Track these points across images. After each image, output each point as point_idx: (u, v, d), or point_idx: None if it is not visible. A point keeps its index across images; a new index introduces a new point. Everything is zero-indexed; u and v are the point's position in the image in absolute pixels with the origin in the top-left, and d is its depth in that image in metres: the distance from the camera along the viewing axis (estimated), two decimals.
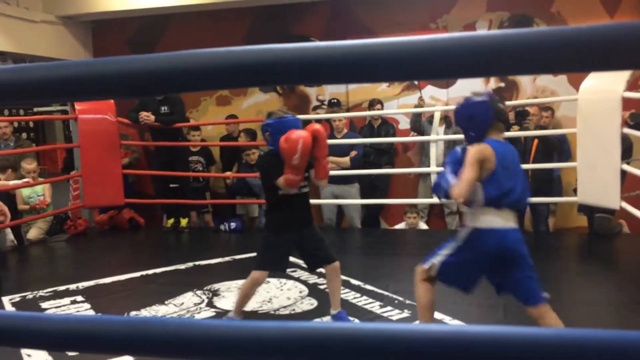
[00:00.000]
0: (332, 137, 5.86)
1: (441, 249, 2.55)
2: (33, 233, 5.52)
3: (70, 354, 2.84)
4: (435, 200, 5.45)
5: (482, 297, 3.53)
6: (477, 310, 3.31)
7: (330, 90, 6.68)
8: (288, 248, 3.09)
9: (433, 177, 5.41)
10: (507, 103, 5.74)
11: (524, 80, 6.10)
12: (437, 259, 2.52)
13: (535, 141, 5.24)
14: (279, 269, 3.14)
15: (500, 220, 2.39)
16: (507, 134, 5.37)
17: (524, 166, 5.19)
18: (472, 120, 2.46)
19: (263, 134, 3.06)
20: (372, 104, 6.10)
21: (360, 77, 0.71)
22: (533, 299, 2.46)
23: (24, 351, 2.89)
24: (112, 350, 0.77)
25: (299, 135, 2.78)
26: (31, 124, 13.00)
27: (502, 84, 6.18)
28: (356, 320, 3.22)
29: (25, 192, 5.48)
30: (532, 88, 6.08)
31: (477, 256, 2.44)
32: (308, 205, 3.16)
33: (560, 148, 5.26)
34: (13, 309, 3.60)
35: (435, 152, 5.56)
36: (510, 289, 2.50)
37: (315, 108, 6.74)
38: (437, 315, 3.27)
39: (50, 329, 0.74)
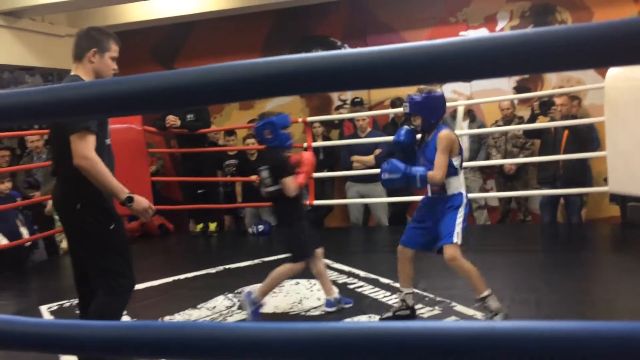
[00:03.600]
0: (356, 136, 5.86)
1: (452, 223, 2.97)
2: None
3: None
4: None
5: (513, 292, 3.50)
6: (509, 306, 3.27)
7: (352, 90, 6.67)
8: (311, 232, 3.37)
9: (460, 173, 5.36)
10: (533, 94, 5.70)
11: None
12: (458, 230, 2.97)
13: (566, 132, 5.14)
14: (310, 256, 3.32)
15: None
16: (535, 125, 5.33)
17: (555, 157, 5.15)
18: (435, 109, 3.03)
19: (261, 133, 3.30)
20: (395, 103, 6.09)
21: (391, 82, 0.72)
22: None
23: (64, 358, 2.97)
24: (151, 354, 0.79)
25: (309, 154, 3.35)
26: None
27: (527, 75, 6.09)
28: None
29: None
30: (557, 77, 5.98)
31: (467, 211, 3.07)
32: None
33: (589, 137, 5.17)
34: (51, 317, 3.70)
35: None
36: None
37: (338, 108, 6.75)
38: (469, 311, 3.26)
39: (90, 335, 0.77)
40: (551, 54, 0.65)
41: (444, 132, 2.97)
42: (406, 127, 3.17)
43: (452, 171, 2.99)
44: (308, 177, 3.26)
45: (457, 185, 3.03)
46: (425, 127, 3.05)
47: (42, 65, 6.45)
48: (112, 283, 2.40)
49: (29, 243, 5.27)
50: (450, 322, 0.71)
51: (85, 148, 2.24)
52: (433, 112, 3.02)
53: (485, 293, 2.99)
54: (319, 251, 3.39)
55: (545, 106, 5.23)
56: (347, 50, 0.71)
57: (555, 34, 0.64)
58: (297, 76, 0.72)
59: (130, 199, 2.33)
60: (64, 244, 5.64)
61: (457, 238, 2.95)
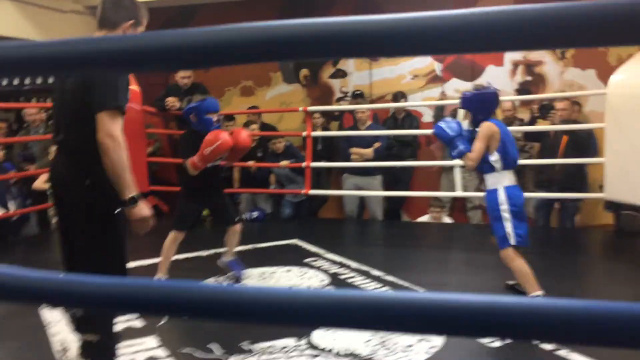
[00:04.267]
0: (356, 128, 5.85)
1: (500, 225, 3.05)
2: None
3: None
4: (457, 194, 5.42)
5: (503, 292, 3.51)
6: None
7: (354, 82, 6.66)
8: (197, 211, 3.66)
9: (456, 171, 5.36)
10: (534, 96, 5.70)
11: (551, 74, 6.01)
12: (509, 230, 3.04)
13: (565, 138, 5.12)
14: (188, 228, 3.66)
15: (513, 178, 3.11)
16: (534, 127, 5.33)
17: (551, 161, 5.15)
18: (483, 106, 3.13)
19: (187, 117, 3.51)
20: (396, 98, 6.08)
21: (406, 51, 0.71)
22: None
23: (51, 330, 2.96)
24: (148, 311, 0.79)
25: (223, 137, 3.28)
26: None
27: (529, 78, 6.09)
28: None
29: None
30: (559, 82, 5.98)
31: (520, 205, 3.07)
32: (217, 178, 3.66)
33: (588, 143, 5.17)
34: None
35: None
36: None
37: (339, 100, 6.73)
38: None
39: (87, 290, 0.77)
40: (572, 29, 0.63)
41: (485, 123, 3.06)
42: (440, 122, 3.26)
43: (487, 167, 3.08)
44: (206, 158, 3.32)
45: (494, 182, 3.08)
46: (474, 122, 3.16)
47: (45, 40, 6.41)
48: (104, 268, 2.18)
49: (15, 218, 5.24)
50: (459, 294, 0.70)
51: (114, 127, 2.10)
52: (480, 109, 3.12)
53: (537, 293, 3.05)
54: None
55: (545, 110, 5.22)
56: (371, 16, 0.70)
57: (578, 9, 0.63)
58: (311, 40, 0.71)
59: (134, 200, 2.11)
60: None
61: (511, 240, 3.03)
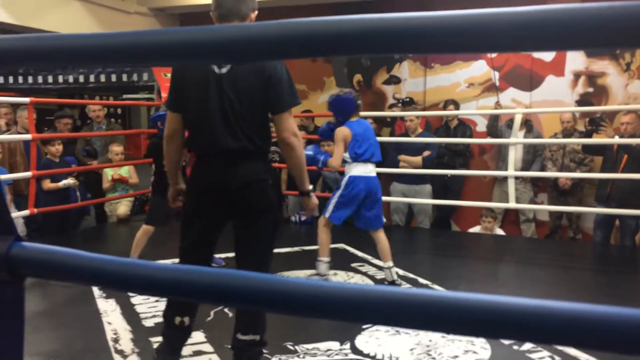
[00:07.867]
0: (407, 136, 5.80)
1: (331, 198, 3.70)
2: (122, 210, 5.85)
3: (147, 324, 3.00)
4: (510, 205, 5.27)
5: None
6: None
7: (408, 89, 6.62)
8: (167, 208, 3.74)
9: (510, 182, 5.22)
10: (595, 108, 5.49)
11: (615, 86, 5.79)
12: (331, 207, 3.67)
13: (625, 156, 4.89)
14: (163, 224, 3.95)
15: (365, 169, 3.64)
16: (595, 140, 5.10)
17: (610, 175, 4.94)
18: (343, 109, 3.63)
19: (155, 124, 3.79)
20: (446, 104, 6.01)
21: (473, 48, 0.69)
22: (372, 226, 3.77)
23: (105, 319, 3.08)
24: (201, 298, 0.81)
25: None
26: (119, 111, 13.70)
27: (591, 89, 5.89)
28: None
29: (111, 172, 5.78)
30: (623, 95, 5.75)
31: (353, 195, 3.63)
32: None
33: None
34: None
35: (513, 156, 5.25)
36: (362, 220, 3.75)
37: (391, 106, 6.71)
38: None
39: (143, 274, 0.80)
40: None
41: (339, 129, 3.62)
42: (327, 122, 3.90)
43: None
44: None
45: (346, 170, 3.70)
46: (338, 123, 3.71)
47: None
48: (268, 262, 2.33)
49: (76, 211, 5.44)
50: (482, 295, 0.69)
51: (294, 124, 2.20)
52: (338, 111, 3.67)
53: (324, 259, 3.74)
54: None
55: (595, 123, 5.00)
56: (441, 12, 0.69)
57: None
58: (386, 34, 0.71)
59: (312, 190, 2.41)
60: (121, 210, 5.80)
61: (327, 213, 3.68)
